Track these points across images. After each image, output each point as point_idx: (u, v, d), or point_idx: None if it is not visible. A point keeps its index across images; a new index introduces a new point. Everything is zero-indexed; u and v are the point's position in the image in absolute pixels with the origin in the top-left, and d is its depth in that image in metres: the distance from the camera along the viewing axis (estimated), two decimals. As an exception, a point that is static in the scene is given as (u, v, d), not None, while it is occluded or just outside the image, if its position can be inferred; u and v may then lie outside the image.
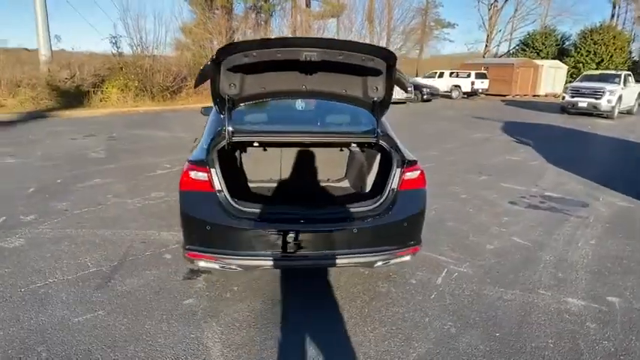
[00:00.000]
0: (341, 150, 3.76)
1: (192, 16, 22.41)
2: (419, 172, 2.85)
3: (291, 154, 3.72)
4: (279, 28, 25.81)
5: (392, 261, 2.84)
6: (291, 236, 2.48)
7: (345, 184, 3.83)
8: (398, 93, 19.67)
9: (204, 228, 2.52)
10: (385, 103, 2.99)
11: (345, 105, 3.13)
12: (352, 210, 2.68)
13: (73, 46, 30.96)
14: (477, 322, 2.75)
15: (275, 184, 3.76)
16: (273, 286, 3.05)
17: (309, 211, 2.66)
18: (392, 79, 2.85)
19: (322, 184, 3.81)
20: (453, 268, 3.47)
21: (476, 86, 24.77)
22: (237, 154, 3.66)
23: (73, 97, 14.24)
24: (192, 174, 2.59)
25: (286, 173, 3.82)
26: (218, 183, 2.57)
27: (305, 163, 3.78)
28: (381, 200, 2.72)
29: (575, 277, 3.41)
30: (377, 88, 2.91)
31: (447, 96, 24.87)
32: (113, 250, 3.53)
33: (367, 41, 35.52)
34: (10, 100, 12.51)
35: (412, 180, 2.81)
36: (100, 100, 14.84)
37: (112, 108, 14.24)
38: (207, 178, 2.58)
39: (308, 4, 29.36)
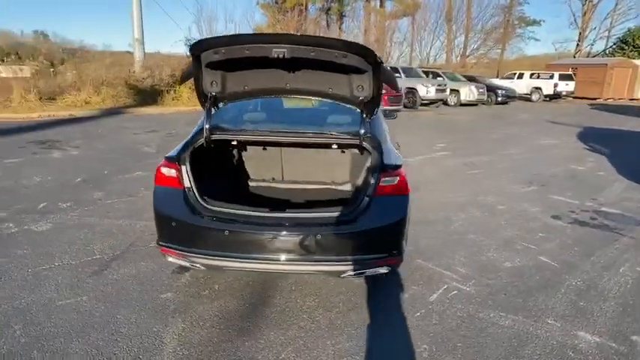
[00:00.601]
0: (342, 152, 3.63)
1: (264, 19, 23.24)
2: (398, 177, 2.65)
3: (293, 154, 3.66)
4: (350, 28, 25.78)
5: (367, 272, 2.67)
6: (252, 238, 2.43)
7: (348, 187, 3.69)
8: (470, 94, 18.85)
9: (170, 224, 2.57)
10: (374, 102, 2.83)
11: (336, 104, 3.01)
12: (319, 215, 2.57)
13: (158, 49, 33.69)
14: (458, 348, 2.49)
15: (271, 185, 3.73)
16: (256, 288, 3.02)
17: (276, 215, 2.59)
18: (378, 78, 2.68)
19: (322, 187, 3.71)
20: (455, 285, 3.19)
21: (559, 88, 22.82)
22: (235, 152, 3.68)
23: (149, 96, 15.44)
24: (164, 170, 2.65)
25: (286, 174, 3.77)
26: (187, 180, 2.60)
27: (307, 165, 3.70)
28: (354, 207, 2.57)
29: (600, 308, 2.96)
30: (362, 87, 2.76)
31: (526, 98, 23.20)
32: (122, 240, 3.74)
33: (442, 40, 34.38)
34: (95, 97, 13.86)
35: (390, 186, 2.62)
36: (172, 99, 15.91)
37: (182, 107, 15.18)
38: (176, 175, 2.62)
39: (382, 4, 29.00)
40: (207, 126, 2.77)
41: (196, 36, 19.23)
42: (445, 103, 18.93)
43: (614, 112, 17.85)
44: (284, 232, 2.48)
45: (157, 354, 2.32)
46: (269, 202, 2.90)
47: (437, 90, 17.49)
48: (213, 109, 2.90)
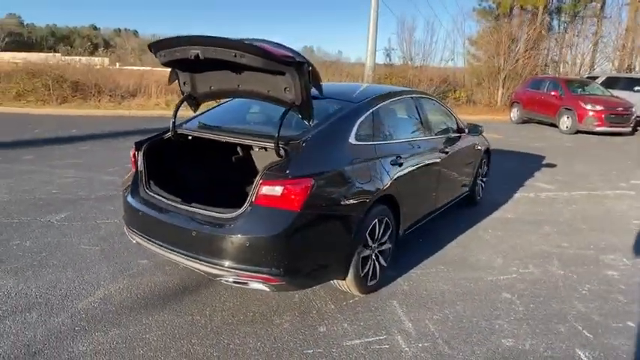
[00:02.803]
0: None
1: (473, 26, 21.76)
2: (281, 188, 2.44)
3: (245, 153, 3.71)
4: (583, 31, 21.35)
5: (249, 284, 2.57)
6: (156, 223, 2.74)
7: None
8: None
9: (123, 200, 3.11)
10: (307, 105, 2.71)
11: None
12: (200, 212, 2.64)
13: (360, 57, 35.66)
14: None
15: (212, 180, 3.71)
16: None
17: (177, 206, 2.78)
18: (302, 79, 2.58)
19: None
20: (395, 340, 2.67)
21: None
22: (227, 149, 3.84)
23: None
24: (131, 153, 3.19)
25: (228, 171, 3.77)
26: (140, 164, 3.06)
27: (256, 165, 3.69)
28: (239, 211, 2.52)
29: None
30: (288, 88, 2.67)
31: None
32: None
33: None
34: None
35: (270, 197, 2.46)
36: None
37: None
38: (133, 158, 3.12)
39: None
40: (173, 120, 3.18)
41: (395, 46, 19.66)
42: None
43: None
44: (175, 223, 2.69)
45: (79, 299, 2.91)
46: (204, 196, 3.05)
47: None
48: (192, 106, 3.28)
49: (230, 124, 3.27)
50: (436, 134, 4.22)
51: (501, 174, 6.87)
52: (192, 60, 2.66)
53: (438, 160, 4.00)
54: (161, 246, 2.78)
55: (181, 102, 3.24)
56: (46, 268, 3.29)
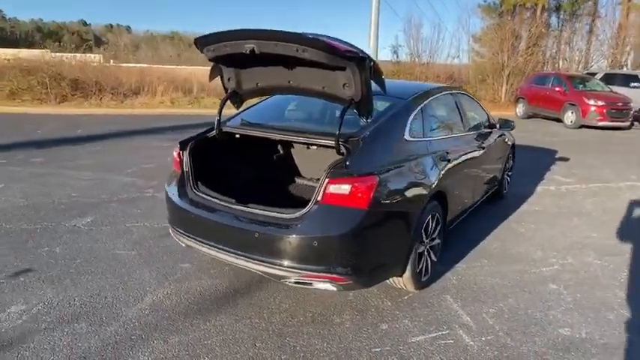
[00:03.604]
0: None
1: (478, 23, 21.89)
2: (349, 187, 2.37)
3: (303, 152, 3.61)
4: (579, 29, 21.60)
5: (314, 285, 2.50)
6: (210, 225, 2.64)
7: None
8: None
9: (167, 202, 3.01)
10: (366, 102, 2.63)
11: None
12: (262, 213, 2.55)
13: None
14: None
15: (268, 179, 3.68)
16: (253, 276, 3.17)
17: (234, 207, 2.68)
18: (363, 75, 2.50)
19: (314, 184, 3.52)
20: (458, 334, 2.62)
21: None
22: (270, 147, 3.78)
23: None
24: (174, 154, 3.09)
25: (292, 171, 3.73)
26: (186, 165, 2.96)
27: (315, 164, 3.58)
28: (303, 211, 2.45)
29: None
30: (347, 84, 2.60)
31: None
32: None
33: None
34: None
35: (337, 195, 2.39)
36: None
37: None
38: (178, 159, 3.02)
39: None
40: (218, 118, 3.09)
41: (402, 43, 19.67)
42: None
43: None
44: (232, 224, 2.60)
45: (128, 306, 2.80)
46: (254, 196, 2.98)
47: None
48: (235, 103, 3.18)
49: (278, 122, 3.20)
50: (474, 129, 4.19)
51: (519, 168, 6.86)
52: (243, 55, 2.58)
53: (478, 155, 3.98)
54: (216, 248, 2.69)
55: (226, 99, 3.15)
56: (85, 276, 3.17)
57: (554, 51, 22.58)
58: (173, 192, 2.98)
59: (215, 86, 15.76)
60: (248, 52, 2.50)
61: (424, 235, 2.96)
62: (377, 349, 2.46)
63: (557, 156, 8.43)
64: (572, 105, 12.97)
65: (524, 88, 15.47)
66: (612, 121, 12.49)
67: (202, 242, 2.75)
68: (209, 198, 2.82)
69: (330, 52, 2.37)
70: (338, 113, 3.53)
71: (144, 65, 16.47)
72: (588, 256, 3.88)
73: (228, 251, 2.62)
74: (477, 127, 4.33)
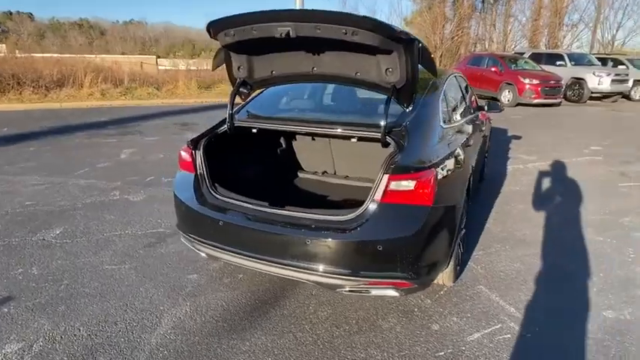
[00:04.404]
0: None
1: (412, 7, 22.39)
2: (415, 182, 2.17)
3: (340, 147, 3.36)
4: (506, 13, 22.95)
5: (373, 292, 2.29)
6: (245, 232, 2.31)
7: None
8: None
9: (181, 208, 2.60)
10: (410, 88, 2.40)
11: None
12: (313, 217, 2.27)
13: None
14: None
15: (313, 178, 3.48)
16: (275, 285, 2.88)
17: (271, 211, 2.37)
18: (411, 59, 2.25)
19: (359, 183, 3.32)
20: (511, 327, 2.54)
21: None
22: (282, 141, 3.54)
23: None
24: (183, 154, 2.68)
25: (329, 168, 3.48)
26: (200, 166, 2.58)
27: (354, 159, 3.35)
28: (358, 212, 2.20)
29: None
30: (391, 70, 2.35)
31: None
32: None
33: (636, 19, 27.79)
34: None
35: (402, 192, 2.17)
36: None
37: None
38: (189, 159, 2.62)
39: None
40: (230, 112, 2.71)
41: None
42: (627, 97, 15.51)
43: None
44: (274, 231, 2.28)
45: (147, 332, 2.40)
46: (292, 197, 2.71)
47: (613, 81, 14.39)
48: (242, 94, 2.83)
49: (298, 113, 2.88)
50: (474, 111, 4.14)
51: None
52: (263, 40, 2.25)
53: (479, 138, 3.94)
54: (253, 258, 2.35)
55: (237, 89, 2.77)
56: (80, 299, 2.69)
57: (481, 33, 23.78)
58: (187, 197, 2.57)
59: (148, 77, 14.65)
60: (283, 35, 2.17)
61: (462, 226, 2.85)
62: (440, 353, 2.31)
63: (509, 134, 8.80)
64: (509, 84, 13.67)
65: (460, 70, 16.03)
66: (546, 99, 13.35)
67: (233, 252, 2.40)
68: (235, 202, 2.46)
69: (385, 34, 2.10)
70: (361, 101, 3.31)
71: (65, 55, 14.83)
72: (589, 233, 3.92)
73: (270, 261, 2.30)
74: (474, 110, 4.30)
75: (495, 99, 14.04)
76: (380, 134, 2.36)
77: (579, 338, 2.47)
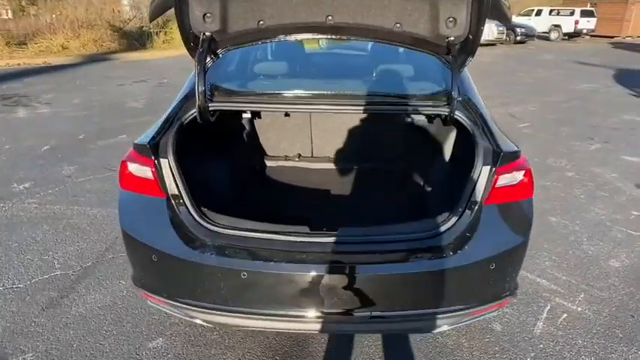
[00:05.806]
0: (410, 122, 2.53)
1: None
2: (523, 172, 1.63)
3: (323, 122, 2.60)
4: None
5: (465, 320, 1.73)
6: (288, 282, 1.46)
7: (416, 176, 2.60)
8: (489, 34, 16.98)
9: (149, 257, 1.55)
10: (470, 45, 1.73)
11: (403, 48, 1.94)
12: (407, 238, 1.55)
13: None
14: None
15: (296, 165, 2.69)
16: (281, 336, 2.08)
17: (326, 240, 1.54)
18: (480, 6, 1.58)
19: (347, 165, 2.68)
20: (561, 304, 2.28)
21: (580, 26, 21.00)
22: (246, 122, 2.59)
23: (136, 39, 13.90)
24: (132, 167, 1.60)
25: (317, 150, 2.72)
26: (173, 183, 1.56)
27: (331, 137, 2.65)
28: (453, 221, 1.56)
29: None
30: (454, 19, 1.64)
31: (544, 37, 21.44)
32: (96, 242, 2.76)
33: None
34: (73, 41, 12.34)
35: (511, 188, 1.61)
36: (163, 42, 14.39)
37: (174, 51, 13.60)
38: (152, 176, 1.58)
39: None
40: (201, 89, 1.67)
41: None
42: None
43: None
44: (342, 271, 1.47)
45: None
46: (302, 207, 1.88)
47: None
48: (209, 58, 1.80)
49: (287, 82, 2.00)
50: None
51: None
52: None
53: None
54: (307, 319, 1.51)
55: (206, 50, 1.70)
56: None
57: None
58: (161, 238, 1.52)
59: None
60: None
61: None
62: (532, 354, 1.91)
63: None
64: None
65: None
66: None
67: (264, 315, 1.51)
68: (257, 234, 1.54)
69: None
70: (372, 64, 2.49)
71: None
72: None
73: (328, 319, 1.50)
74: None
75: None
76: (447, 110, 1.73)
77: (623, 300, 2.33)
